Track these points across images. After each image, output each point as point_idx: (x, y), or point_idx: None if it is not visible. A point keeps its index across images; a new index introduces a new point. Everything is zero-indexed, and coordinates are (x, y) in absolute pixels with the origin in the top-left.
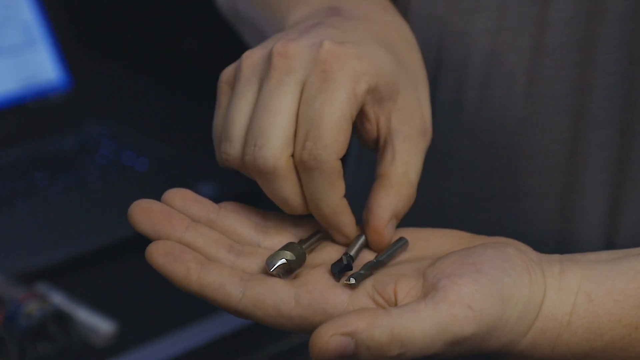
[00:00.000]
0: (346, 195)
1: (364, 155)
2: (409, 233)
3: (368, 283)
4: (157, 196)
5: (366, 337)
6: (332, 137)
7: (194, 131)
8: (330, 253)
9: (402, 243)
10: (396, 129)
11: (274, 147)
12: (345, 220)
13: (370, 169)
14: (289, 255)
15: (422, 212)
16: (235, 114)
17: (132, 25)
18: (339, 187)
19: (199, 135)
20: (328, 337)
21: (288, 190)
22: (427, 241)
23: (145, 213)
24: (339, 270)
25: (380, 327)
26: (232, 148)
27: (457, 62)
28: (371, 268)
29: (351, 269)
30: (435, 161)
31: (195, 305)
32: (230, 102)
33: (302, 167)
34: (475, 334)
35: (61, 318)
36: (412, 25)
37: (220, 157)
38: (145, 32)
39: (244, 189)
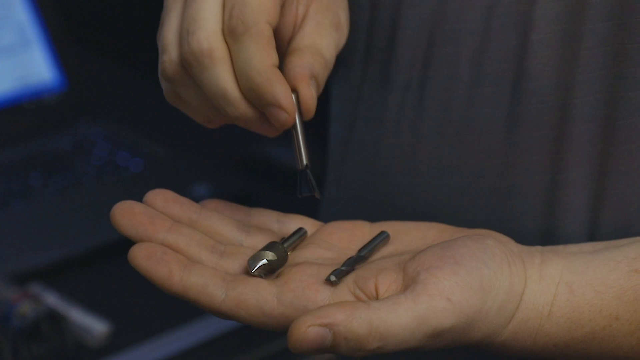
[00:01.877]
0: (335, 181)
1: (351, 137)
2: (391, 226)
3: (349, 279)
4: None
5: (344, 329)
6: (258, 1)
7: (189, 132)
8: (312, 251)
9: (383, 237)
10: (310, 16)
11: (207, 28)
12: (281, 88)
13: (358, 152)
14: (270, 255)
15: (410, 209)
16: (167, 25)
17: (127, 25)
18: (271, 54)
19: (194, 136)
20: (306, 328)
21: (226, 75)
22: (408, 234)
23: (127, 215)
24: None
25: (358, 319)
26: (168, 54)
27: (447, 61)
28: (352, 264)
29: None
30: (423, 158)
31: (189, 305)
32: (161, 23)
33: (232, 36)
34: (455, 325)
35: (55, 318)
36: (402, 24)
37: (162, 69)
38: (140, 32)
39: (239, 189)
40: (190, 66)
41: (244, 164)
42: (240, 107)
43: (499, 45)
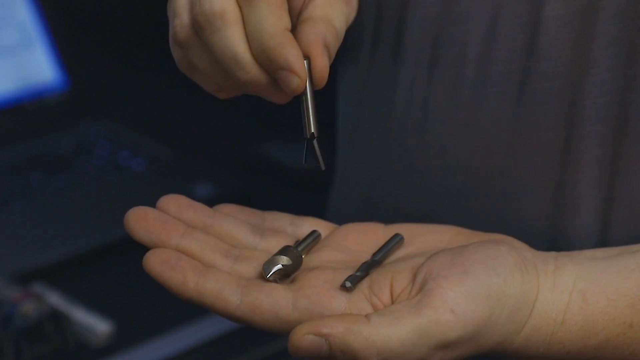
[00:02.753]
0: (342, 181)
1: (357, 137)
2: (405, 229)
3: (364, 284)
4: (154, 196)
5: (340, 342)
6: None
7: (191, 131)
8: (326, 254)
9: (397, 239)
10: None
11: None
12: (293, 52)
13: (364, 152)
14: (285, 260)
15: (416, 209)
16: None
17: (128, 25)
18: (283, 17)
19: (196, 136)
20: (302, 335)
21: (238, 38)
22: (423, 237)
23: (141, 220)
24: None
25: (354, 334)
26: (179, 18)
27: (452, 61)
28: (367, 269)
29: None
30: (429, 158)
31: (192, 305)
32: None
33: (245, 1)
34: (461, 336)
35: (57, 318)
36: (408, 23)
37: (173, 34)
38: (142, 32)
39: (241, 189)
40: (202, 28)
41: (246, 164)
42: (252, 71)
43: (505, 46)
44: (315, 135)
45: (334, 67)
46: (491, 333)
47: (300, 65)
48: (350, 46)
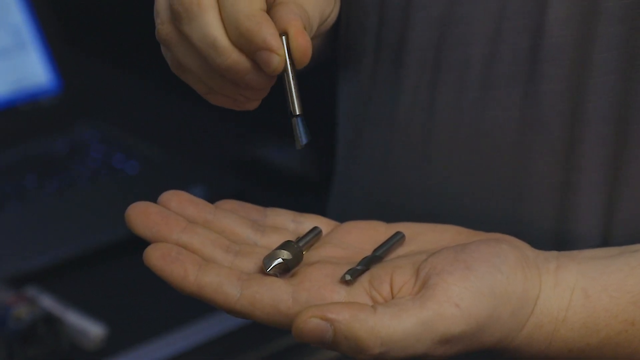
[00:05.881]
0: (343, 181)
1: (361, 138)
2: (407, 228)
3: (365, 278)
4: (148, 199)
5: (345, 328)
6: None
7: (185, 134)
8: (327, 250)
9: (398, 237)
10: None
11: None
12: (270, 31)
13: (367, 154)
14: (285, 254)
15: (420, 210)
16: None
17: (122, 27)
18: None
19: (190, 138)
20: (307, 317)
21: (215, 23)
22: (424, 236)
23: (142, 215)
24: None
25: (360, 321)
26: (160, 16)
27: (457, 63)
28: (367, 263)
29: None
30: (434, 160)
31: (185, 308)
32: None
33: None
34: (464, 331)
35: (50, 321)
36: (411, 25)
37: (157, 32)
38: (136, 34)
39: (235, 191)
40: (180, 18)
41: (240, 165)
42: (231, 55)
43: (510, 48)
44: (300, 113)
45: (334, 71)
46: (493, 330)
47: (278, 43)
48: (353, 50)
